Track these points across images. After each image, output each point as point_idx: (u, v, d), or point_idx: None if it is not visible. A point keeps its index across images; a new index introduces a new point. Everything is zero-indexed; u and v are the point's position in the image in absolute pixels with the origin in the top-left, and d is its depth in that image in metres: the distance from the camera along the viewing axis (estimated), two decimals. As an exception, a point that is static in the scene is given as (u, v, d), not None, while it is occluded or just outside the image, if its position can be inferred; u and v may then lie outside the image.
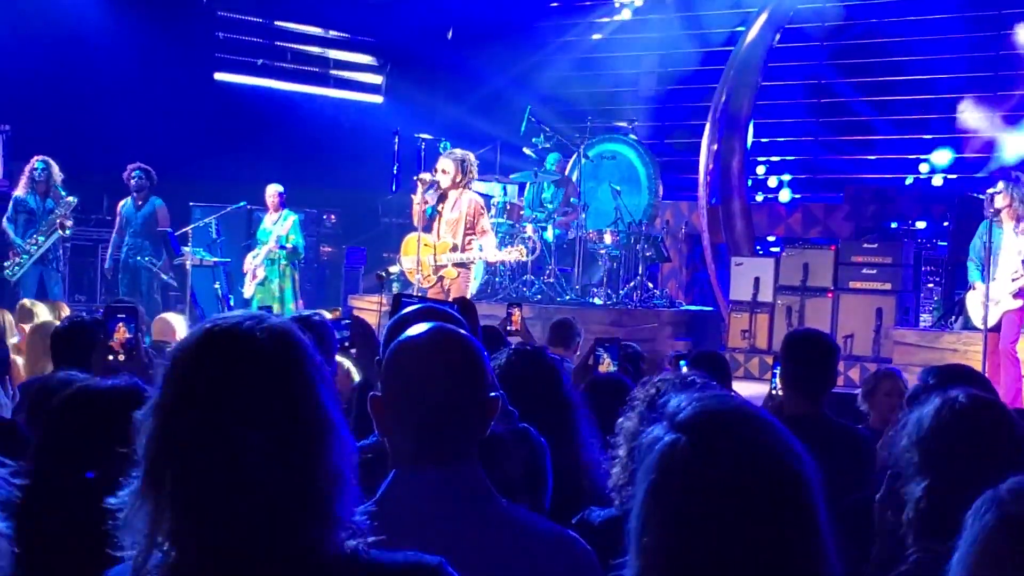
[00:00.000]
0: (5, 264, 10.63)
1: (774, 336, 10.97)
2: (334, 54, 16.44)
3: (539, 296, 11.57)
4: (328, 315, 4.54)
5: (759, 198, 14.40)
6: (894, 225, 12.79)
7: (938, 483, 2.18)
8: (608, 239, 11.88)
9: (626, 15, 15.24)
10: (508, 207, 11.87)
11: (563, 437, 2.98)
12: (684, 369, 4.34)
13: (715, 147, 13.07)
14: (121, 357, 3.37)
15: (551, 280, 11.75)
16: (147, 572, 1.48)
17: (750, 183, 14.05)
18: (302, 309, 10.12)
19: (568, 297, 11.64)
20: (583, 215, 12.00)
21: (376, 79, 16.65)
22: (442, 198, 9.20)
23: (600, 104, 14.67)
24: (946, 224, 12.27)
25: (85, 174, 11.44)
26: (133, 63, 13.17)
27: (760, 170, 14.70)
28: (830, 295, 11.10)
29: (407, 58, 15.78)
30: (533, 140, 12.88)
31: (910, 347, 10.02)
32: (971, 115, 12.94)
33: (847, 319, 10.90)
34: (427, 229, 9.20)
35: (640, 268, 11.94)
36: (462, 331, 2.11)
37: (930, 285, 11.66)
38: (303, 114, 15.19)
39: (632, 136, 13.92)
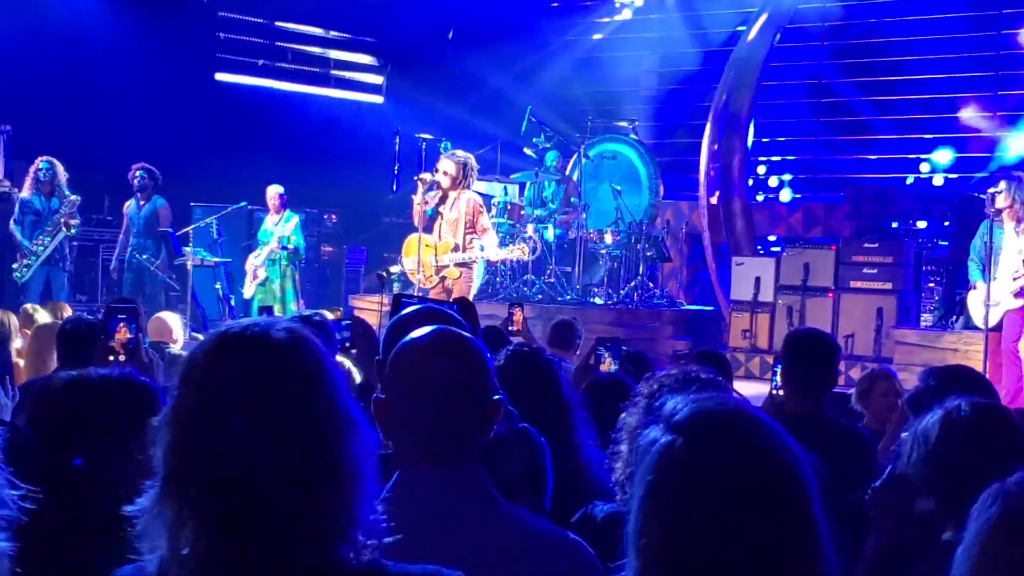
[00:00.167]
0: (14, 266, 10.69)
1: (775, 336, 10.97)
2: (335, 54, 16.44)
3: (540, 296, 11.58)
4: (329, 315, 4.55)
5: (760, 198, 14.39)
6: (895, 225, 12.78)
7: (949, 497, 2.17)
8: (609, 239, 11.88)
9: (627, 15, 15.23)
10: (509, 207, 11.87)
11: (562, 437, 2.98)
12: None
13: (716, 147, 13.07)
14: (122, 357, 3.38)
15: (552, 280, 11.75)
16: (172, 571, 1.48)
17: (751, 183, 14.05)
18: (303, 309, 10.14)
19: (569, 297, 11.64)
20: (584, 215, 12.00)
21: (377, 79, 16.65)
22: (442, 199, 9.20)
23: (601, 104, 14.67)
24: (947, 224, 12.27)
25: (86, 174, 11.44)
26: (134, 63, 13.17)
27: (761, 170, 14.70)
28: (831, 295, 11.10)
29: (408, 58, 15.78)
30: (534, 140, 12.88)
31: (911, 347, 10.01)
32: (972, 114, 12.94)
33: (848, 319, 10.90)
34: (427, 230, 9.21)
35: (641, 268, 11.94)
36: (466, 334, 2.11)
37: (931, 285, 11.65)
38: (304, 114, 15.19)
39: (633, 136, 13.92)
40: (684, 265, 14.00)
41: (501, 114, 13.68)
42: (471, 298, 8.03)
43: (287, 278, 11.69)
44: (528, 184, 12.87)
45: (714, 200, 12.98)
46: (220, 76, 15.19)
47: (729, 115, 13.08)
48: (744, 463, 1.43)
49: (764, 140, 14.59)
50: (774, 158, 14.73)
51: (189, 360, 1.57)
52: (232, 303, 11.97)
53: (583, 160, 12.56)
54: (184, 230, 11.85)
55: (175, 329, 7.22)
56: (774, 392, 4.31)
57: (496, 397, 2.02)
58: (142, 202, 11.47)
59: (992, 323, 8.52)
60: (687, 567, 1.41)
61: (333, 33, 16.37)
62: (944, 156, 13.40)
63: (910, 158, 13.73)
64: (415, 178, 9.59)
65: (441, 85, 14.90)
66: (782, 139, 14.75)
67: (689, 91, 14.65)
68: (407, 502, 1.91)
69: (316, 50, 16.30)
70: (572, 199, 12.49)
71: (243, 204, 12.62)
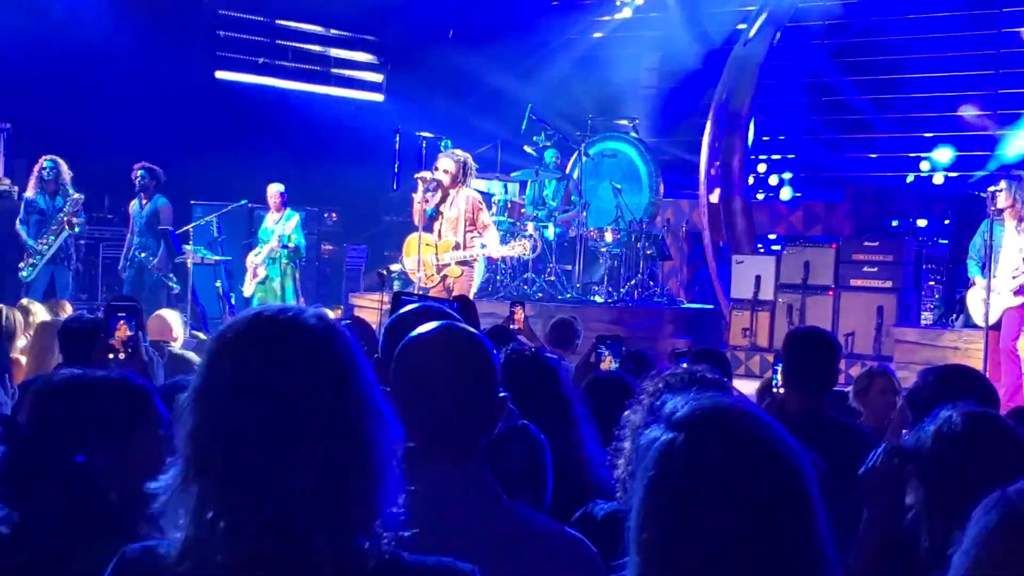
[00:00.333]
0: (20, 265, 10.75)
1: (775, 334, 10.97)
2: (335, 52, 16.44)
3: (540, 294, 11.57)
4: (329, 313, 4.55)
5: (760, 196, 14.40)
6: (895, 223, 12.79)
7: (947, 513, 2.16)
8: (609, 237, 11.88)
9: (627, 13, 15.23)
10: (509, 205, 11.87)
11: (563, 435, 2.98)
12: (684, 366, 4.32)
13: (716, 145, 13.07)
14: (122, 355, 3.37)
15: (552, 278, 11.75)
16: (191, 553, 1.47)
17: (751, 181, 14.05)
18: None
19: (569, 295, 11.64)
20: (584, 213, 12.00)
21: (377, 77, 16.65)
22: (443, 198, 9.21)
23: (601, 102, 14.65)
24: (947, 222, 12.28)
25: (86, 172, 11.44)
26: (134, 61, 13.16)
27: (761, 168, 14.70)
28: (831, 293, 11.10)
29: (408, 56, 15.78)
30: (534, 138, 12.88)
31: (911, 345, 10.02)
32: (971, 113, 12.94)
33: (848, 317, 10.90)
34: (428, 229, 9.21)
35: (641, 266, 11.94)
36: (472, 330, 2.11)
37: (931, 283, 11.66)
38: (304, 112, 15.18)
39: (633, 134, 13.91)
40: (684, 263, 14.00)
41: (501, 112, 13.67)
42: (472, 297, 8.03)
43: (287, 276, 11.70)
44: (528, 182, 12.87)
45: (714, 198, 12.97)
46: (220, 74, 15.19)
47: (729, 113, 13.08)
48: (744, 459, 1.44)
49: (764, 138, 14.59)
50: (774, 156, 14.73)
51: (218, 341, 1.55)
52: (232, 301, 11.97)
53: (583, 158, 12.55)
54: (184, 228, 11.85)
55: (175, 327, 7.21)
56: (775, 391, 4.31)
57: (501, 395, 2.02)
58: (144, 201, 11.49)
59: (992, 321, 8.52)
60: (688, 563, 1.42)
61: (333, 31, 16.37)
62: (944, 155, 13.40)
63: (910, 156, 13.73)
64: (415, 176, 9.60)
65: (441, 83, 14.90)
66: (782, 137, 14.75)
67: (689, 89, 14.64)
68: (410, 499, 1.91)
69: (316, 48, 16.29)
70: (572, 197, 12.49)
71: (243, 202, 12.62)
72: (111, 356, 3.36)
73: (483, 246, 9.20)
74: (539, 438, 2.62)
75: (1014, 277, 8.45)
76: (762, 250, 13.00)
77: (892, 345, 10.31)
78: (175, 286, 11.46)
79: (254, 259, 11.73)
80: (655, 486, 1.45)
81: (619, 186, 12.45)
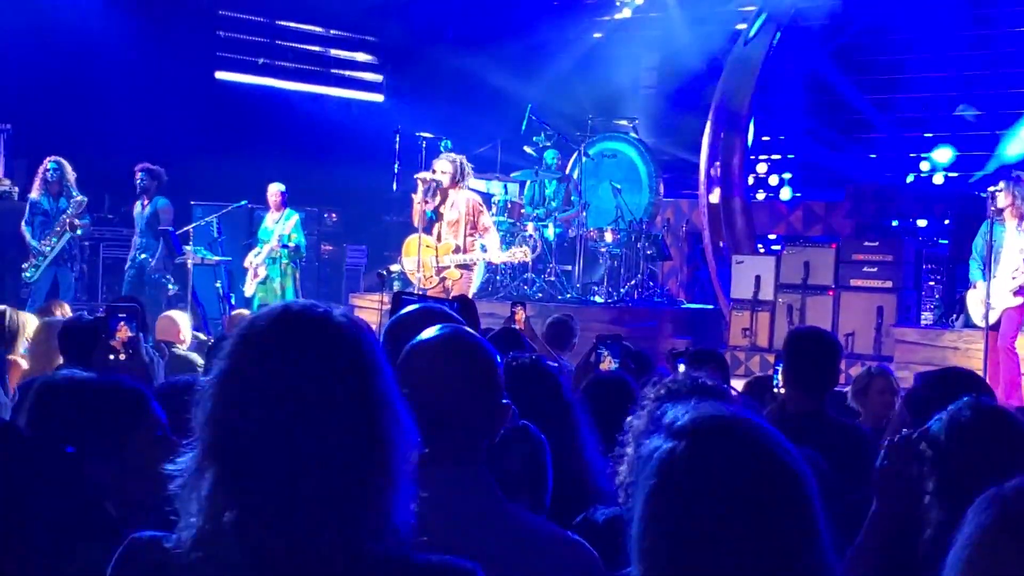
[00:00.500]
0: (24, 266, 10.82)
1: (775, 334, 10.97)
2: (335, 52, 16.44)
3: (540, 294, 11.58)
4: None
5: (760, 196, 14.40)
6: (895, 223, 12.79)
7: (951, 506, 2.16)
8: (609, 237, 11.88)
9: (627, 13, 15.23)
10: (509, 205, 11.88)
11: (563, 439, 2.98)
12: (681, 368, 4.33)
13: (716, 145, 13.06)
14: (122, 356, 3.38)
15: (552, 278, 11.75)
16: (201, 543, 1.47)
17: (751, 181, 14.04)
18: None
19: (569, 295, 11.64)
20: (584, 213, 12.00)
21: (377, 77, 16.66)
22: (442, 200, 9.22)
23: (601, 102, 14.65)
24: (947, 222, 12.27)
25: (86, 173, 11.44)
26: (134, 62, 13.16)
27: (761, 168, 14.70)
28: (831, 293, 11.09)
29: (408, 56, 15.78)
30: (534, 138, 12.88)
31: (911, 345, 10.02)
32: (971, 113, 12.94)
33: (848, 317, 10.89)
34: (427, 231, 9.22)
35: (641, 266, 11.94)
36: (476, 335, 2.11)
37: (931, 283, 11.65)
38: (304, 113, 15.19)
39: (633, 134, 13.92)
40: (684, 263, 14.01)
41: (501, 112, 13.68)
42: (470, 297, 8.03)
43: (287, 276, 11.70)
44: (528, 183, 12.87)
45: (714, 198, 12.97)
46: (220, 75, 15.19)
47: (729, 113, 13.08)
48: (746, 465, 1.44)
49: (764, 138, 14.58)
50: (774, 156, 14.73)
51: (244, 333, 1.54)
52: (232, 301, 11.96)
53: (583, 158, 12.56)
54: (184, 229, 11.85)
55: (183, 329, 7.22)
56: (776, 391, 4.31)
57: (505, 401, 2.02)
58: (145, 202, 11.52)
59: (992, 321, 8.52)
60: (691, 569, 1.42)
61: (333, 31, 16.37)
62: (944, 154, 13.40)
63: (910, 156, 13.73)
64: (415, 177, 9.60)
65: (441, 83, 14.90)
66: (782, 137, 14.75)
67: (689, 89, 14.63)
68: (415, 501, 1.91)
69: (316, 48, 16.30)
70: (572, 197, 12.49)
71: (243, 203, 12.62)
72: (112, 357, 3.37)
73: (484, 249, 9.19)
74: (539, 438, 2.62)
75: (1014, 277, 8.45)
76: (762, 250, 13.00)
77: (892, 345, 10.31)
78: (172, 287, 11.47)
79: (254, 259, 11.74)
80: (657, 494, 1.45)
81: (619, 186, 12.45)
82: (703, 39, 14.42)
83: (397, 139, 10.90)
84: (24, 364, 5.69)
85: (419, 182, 9.38)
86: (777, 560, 1.41)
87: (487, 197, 11.53)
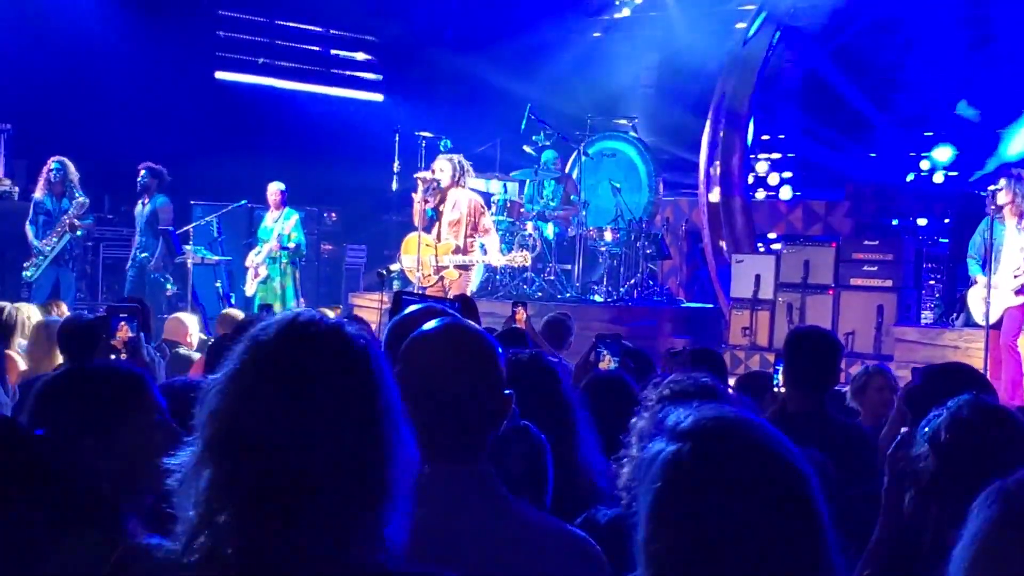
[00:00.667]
0: (25, 265, 10.88)
1: (775, 333, 10.97)
2: (335, 52, 16.44)
3: (539, 294, 11.58)
4: (330, 313, 4.55)
5: (760, 195, 14.39)
6: (895, 222, 12.80)
7: (961, 499, 2.16)
8: (608, 236, 11.89)
9: (626, 13, 15.24)
10: (508, 205, 11.88)
11: (564, 439, 2.98)
12: (687, 375, 4.32)
13: (715, 144, 13.06)
14: (123, 356, 3.39)
15: (551, 278, 11.75)
16: (194, 543, 1.47)
17: (751, 180, 14.04)
18: (303, 307, 10.14)
19: (568, 294, 11.64)
20: (583, 212, 12.00)
21: (377, 77, 16.66)
22: (442, 199, 9.23)
23: (600, 102, 14.65)
24: (947, 221, 12.28)
25: (86, 173, 11.45)
26: (134, 62, 13.16)
27: (761, 167, 14.70)
28: (831, 292, 11.09)
29: (407, 56, 15.78)
30: (533, 138, 12.88)
31: (911, 344, 10.02)
32: (970, 111, 12.94)
33: (848, 316, 10.89)
34: (427, 230, 9.22)
35: (640, 265, 11.94)
36: (477, 327, 2.11)
37: (931, 282, 11.66)
38: (304, 112, 15.19)
39: (632, 133, 13.91)
40: (684, 263, 14.00)
41: (501, 112, 13.67)
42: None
43: (287, 276, 11.71)
44: (528, 182, 12.88)
45: (714, 197, 12.97)
46: (220, 74, 15.19)
47: (729, 112, 13.08)
48: (750, 466, 1.45)
49: (764, 137, 14.58)
50: (774, 155, 14.73)
51: (255, 337, 1.54)
52: (232, 301, 11.97)
53: (583, 158, 12.56)
54: (184, 228, 11.86)
55: (191, 331, 7.23)
56: (776, 390, 4.31)
57: (507, 392, 2.02)
58: (145, 201, 11.54)
59: (993, 320, 8.52)
60: (699, 571, 1.42)
61: (333, 31, 16.37)
62: (944, 153, 13.41)
63: (910, 155, 13.73)
64: (415, 176, 9.61)
65: (441, 82, 14.90)
66: (782, 136, 14.74)
67: (688, 88, 14.63)
68: (415, 496, 1.91)
69: (316, 48, 16.30)
70: (572, 197, 12.50)
71: (243, 202, 12.63)
72: (112, 357, 3.38)
73: (484, 251, 9.20)
74: (540, 438, 2.62)
75: (1015, 276, 8.45)
76: (762, 249, 13.00)
77: (892, 344, 10.31)
78: (171, 287, 11.48)
79: (255, 258, 11.74)
80: (662, 497, 1.45)
81: (618, 185, 12.45)
82: (702, 38, 14.42)
83: (397, 139, 10.90)
84: (22, 363, 5.69)
85: (419, 181, 9.39)
86: (784, 560, 1.42)
87: (487, 196, 11.54)
